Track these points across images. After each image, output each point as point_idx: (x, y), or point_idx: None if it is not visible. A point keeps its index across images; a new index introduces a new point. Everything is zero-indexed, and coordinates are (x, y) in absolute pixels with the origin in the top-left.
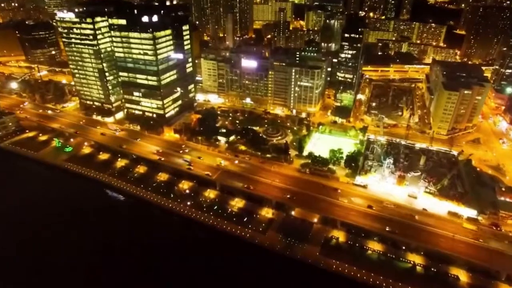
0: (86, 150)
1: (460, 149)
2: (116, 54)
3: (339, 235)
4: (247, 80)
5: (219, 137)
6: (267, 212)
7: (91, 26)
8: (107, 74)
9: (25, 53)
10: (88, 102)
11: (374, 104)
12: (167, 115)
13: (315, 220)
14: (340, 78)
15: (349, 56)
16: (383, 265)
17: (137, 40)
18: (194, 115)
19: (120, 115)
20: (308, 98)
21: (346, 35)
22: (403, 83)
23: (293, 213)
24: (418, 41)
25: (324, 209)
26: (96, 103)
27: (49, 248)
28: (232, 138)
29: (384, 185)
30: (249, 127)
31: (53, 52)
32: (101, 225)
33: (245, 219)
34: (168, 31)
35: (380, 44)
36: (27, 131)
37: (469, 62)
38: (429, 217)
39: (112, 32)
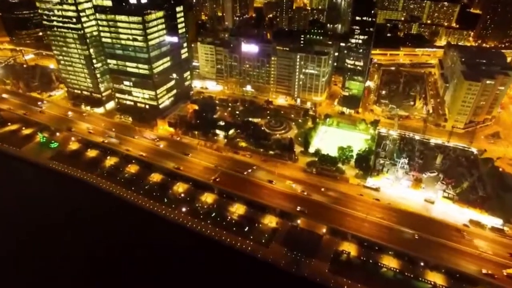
0: (73, 145)
1: (476, 144)
2: (103, 40)
3: (350, 249)
4: (247, 66)
5: (217, 131)
6: (270, 221)
7: (73, 8)
8: (94, 61)
9: (8, 34)
10: (76, 91)
11: (384, 92)
12: (161, 106)
13: (324, 230)
14: (349, 66)
15: (360, 41)
16: (399, 285)
17: (125, 24)
18: (190, 105)
19: (111, 104)
20: (313, 87)
21: (357, 18)
22: (414, 69)
23: (299, 221)
24: (429, 21)
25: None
26: (85, 92)
27: (27, 254)
28: (231, 132)
29: (397, 188)
30: (250, 119)
31: (40, 34)
32: (87, 231)
33: (246, 229)
34: (160, 13)
35: (389, 25)
36: (9, 124)
37: (484, 45)
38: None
39: (97, 14)
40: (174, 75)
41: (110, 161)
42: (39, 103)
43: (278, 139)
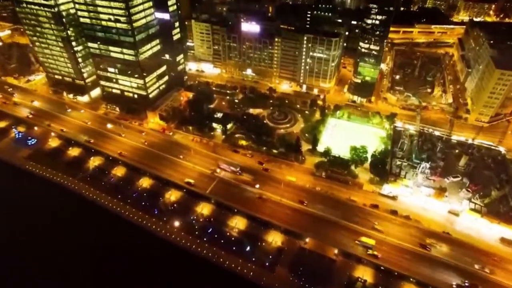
0: (53, 142)
1: (506, 141)
2: (81, 20)
3: (366, 275)
4: (248, 47)
5: (215, 125)
6: (274, 239)
7: None
8: (74, 43)
9: None
10: (56, 76)
11: (398, 77)
12: (151, 96)
13: (336, 251)
14: (363, 50)
15: (377, 22)
16: None
17: (104, 2)
18: (184, 93)
19: (97, 91)
20: (322, 72)
21: None
22: (431, 49)
23: (307, 240)
24: None
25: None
26: (66, 78)
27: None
28: (230, 126)
29: (417, 197)
30: (250, 111)
31: None
32: (66, 246)
33: (247, 248)
34: None
35: None
36: None
37: (507, 19)
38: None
39: None
40: (167, 56)
41: (94, 162)
42: None
43: (283, 135)
